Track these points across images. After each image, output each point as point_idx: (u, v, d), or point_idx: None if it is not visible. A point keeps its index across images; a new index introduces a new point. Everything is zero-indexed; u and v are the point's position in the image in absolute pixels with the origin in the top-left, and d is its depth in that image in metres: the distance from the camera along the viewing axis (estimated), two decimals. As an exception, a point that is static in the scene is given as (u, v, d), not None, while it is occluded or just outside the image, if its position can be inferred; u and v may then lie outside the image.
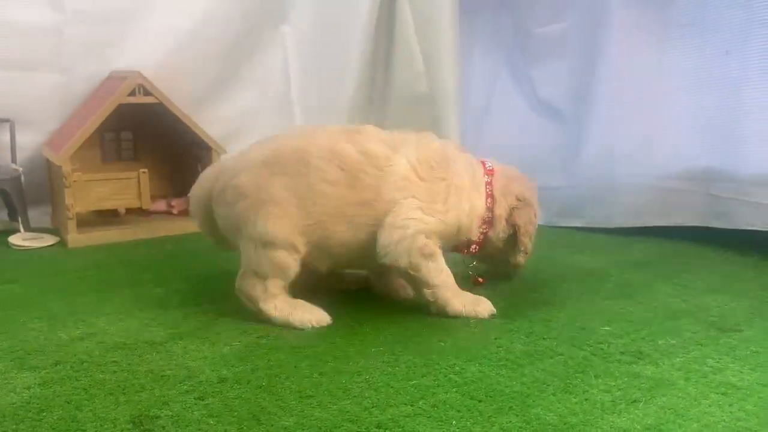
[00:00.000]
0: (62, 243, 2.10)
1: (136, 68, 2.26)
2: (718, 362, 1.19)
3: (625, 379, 1.12)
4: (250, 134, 2.68)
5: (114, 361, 1.21)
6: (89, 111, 2.17)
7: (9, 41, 2.18)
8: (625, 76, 2.12)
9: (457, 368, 1.16)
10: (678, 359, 1.20)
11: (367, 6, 2.75)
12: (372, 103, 2.96)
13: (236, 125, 2.65)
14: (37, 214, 2.32)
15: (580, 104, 2.30)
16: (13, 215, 2.24)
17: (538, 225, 1.62)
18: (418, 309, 1.46)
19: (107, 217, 2.26)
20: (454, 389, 1.08)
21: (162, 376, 1.15)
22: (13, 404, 1.06)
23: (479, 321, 1.39)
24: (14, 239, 2.08)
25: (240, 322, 1.40)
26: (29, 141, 2.29)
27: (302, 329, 1.36)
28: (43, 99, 2.28)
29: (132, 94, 2.10)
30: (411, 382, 1.11)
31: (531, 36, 2.48)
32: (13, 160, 2.21)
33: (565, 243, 2.06)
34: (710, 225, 1.98)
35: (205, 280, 1.69)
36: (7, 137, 2.22)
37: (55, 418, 1.01)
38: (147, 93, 2.12)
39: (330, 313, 1.41)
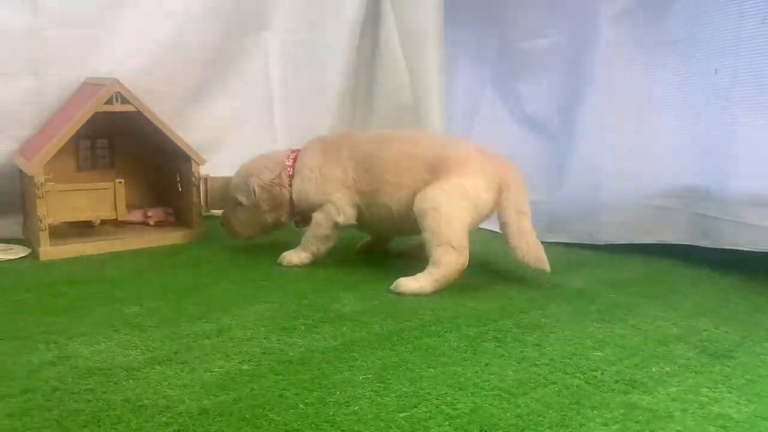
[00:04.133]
0: (34, 255, 2.02)
1: (112, 74, 2.18)
2: (713, 392, 1.16)
3: (622, 410, 1.09)
4: (230, 143, 2.63)
5: (89, 389, 1.15)
6: (64, 119, 2.09)
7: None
8: (612, 92, 2.11)
9: (449, 398, 1.12)
10: (673, 388, 1.17)
11: (351, 14, 2.71)
12: (355, 113, 2.92)
13: (215, 134, 2.59)
14: (9, 224, 2.24)
15: (565, 119, 2.28)
16: (-18, 225, 2.16)
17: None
18: (405, 330, 1.42)
19: (81, 228, 2.17)
20: (447, 422, 1.04)
21: (139, 406, 1.09)
22: (-21, 439, 0.99)
23: (470, 345, 1.35)
24: (-17, 251, 1.99)
25: (220, 344, 1.35)
26: (1, 148, 2.20)
27: None
28: (16, 105, 2.19)
29: (109, 102, 2.03)
30: (402, 414, 1.07)
31: (516, 50, 2.46)
32: (-16, 168, 2.13)
33: (550, 260, 2.02)
34: (696, 244, 1.97)
35: (182, 298, 1.63)
36: (-18, 143, 2.14)
37: (23, 454, 0.95)
38: (125, 101, 2.05)
39: (316, 336, 1.38)
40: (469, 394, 1.14)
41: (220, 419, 1.05)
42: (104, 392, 1.14)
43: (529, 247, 1.73)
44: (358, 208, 1.88)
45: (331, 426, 1.03)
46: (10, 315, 1.51)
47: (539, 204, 2.28)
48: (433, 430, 1.02)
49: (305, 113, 2.77)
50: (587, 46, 2.15)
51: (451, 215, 1.65)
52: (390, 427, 1.03)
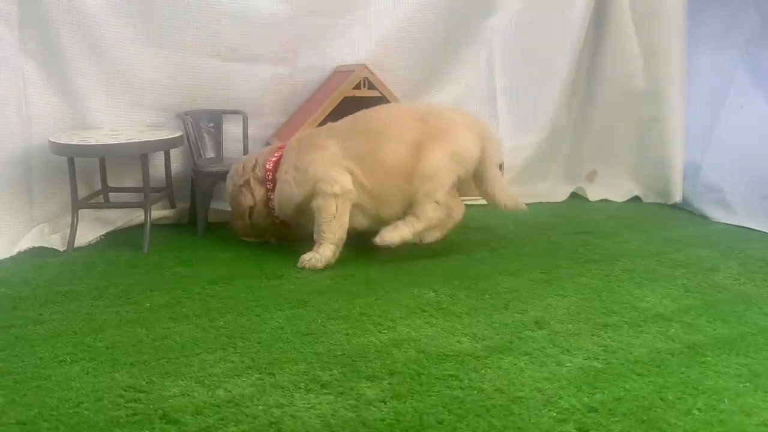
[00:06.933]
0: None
1: (356, 62, 2.22)
2: None
3: None
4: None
5: (451, 375, 1.14)
6: (316, 103, 2.14)
7: (245, 34, 2.18)
8: None
9: None
10: None
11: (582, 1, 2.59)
12: (574, 100, 2.80)
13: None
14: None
15: None
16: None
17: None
18: (746, 335, 1.30)
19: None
20: None
21: (517, 398, 1.06)
22: (383, 420, 1.00)
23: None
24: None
25: (548, 337, 1.30)
26: (256, 132, 2.30)
27: None
28: (270, 91, 2.28)
29: (357, 87, 2.06)
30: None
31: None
32: (245, 152, 2.22)
33: None
34: None
35: (469, 286, 1.60)
36: (239, 129, 2.24)
37: (439, 441, 0.94)
38: (371, 86, 2.08)
39: (647, 336, 1.30)
40: None
41: (615, 419, 1.00)
42: (469, 380, 1.12)
43: (505, 193, 1.91)
44: (353, 179, 1.75)
45: (752, 439, 0.94)
46: (316, 295, 1.54)
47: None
48: None
49: (526, 100, 2.68)
50: None
51: (445, 181, 1.79)
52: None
